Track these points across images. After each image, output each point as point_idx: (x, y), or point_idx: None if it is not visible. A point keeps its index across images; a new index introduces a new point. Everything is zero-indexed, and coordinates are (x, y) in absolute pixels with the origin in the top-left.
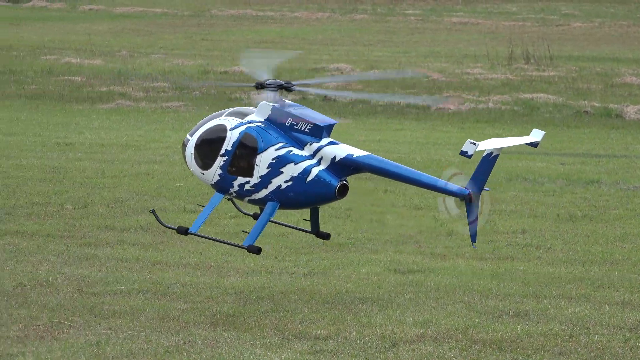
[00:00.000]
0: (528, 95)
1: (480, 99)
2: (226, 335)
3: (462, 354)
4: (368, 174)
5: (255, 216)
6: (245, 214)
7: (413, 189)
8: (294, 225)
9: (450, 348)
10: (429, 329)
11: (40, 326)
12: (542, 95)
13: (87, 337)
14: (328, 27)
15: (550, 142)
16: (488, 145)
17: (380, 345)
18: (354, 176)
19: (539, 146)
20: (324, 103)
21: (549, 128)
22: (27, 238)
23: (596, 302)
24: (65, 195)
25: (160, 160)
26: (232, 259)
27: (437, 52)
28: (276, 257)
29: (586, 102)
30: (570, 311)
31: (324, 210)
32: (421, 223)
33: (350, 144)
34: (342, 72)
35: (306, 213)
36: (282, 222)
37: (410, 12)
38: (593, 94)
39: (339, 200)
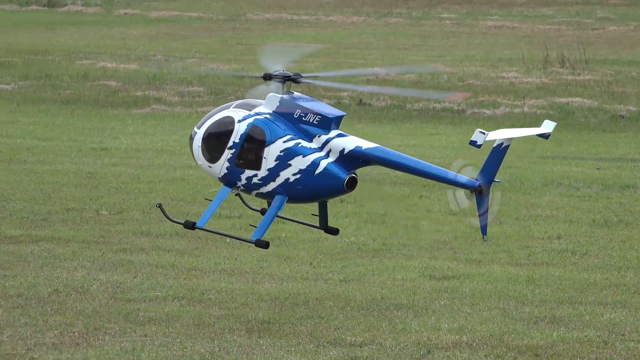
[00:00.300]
0: (563, 99)
1: (515, 103)
2: (261, 342)
3: None
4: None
5: (263, 211)
6: (253, 209)
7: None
8: (302, 221)
9: (485, 355)
10: (464, 336)
11: (76, 333)
12: (577, 99)
13: (122, 344)
14: (363, 31)
15: (585, 147)
16: (498, 135)
17: (415, 351)
18: (389, 181)
19: (550, 137)
20: (359, 108)
21: (584, 132)
22: (62, 244)
23: (632, 308)
24: (101, 200)
25: (195, 165)
26: (267, 265)
27: (473, 56)
28: (311, 264)
29: (622, 106)
30: (605, 317)
31: (358, 214)
32: (456, 229)
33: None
34: (377, 77)
35: (314, 208)
36: (289, 217)
37: (446, 15)
38: (629, 98)
39: (347, 194)
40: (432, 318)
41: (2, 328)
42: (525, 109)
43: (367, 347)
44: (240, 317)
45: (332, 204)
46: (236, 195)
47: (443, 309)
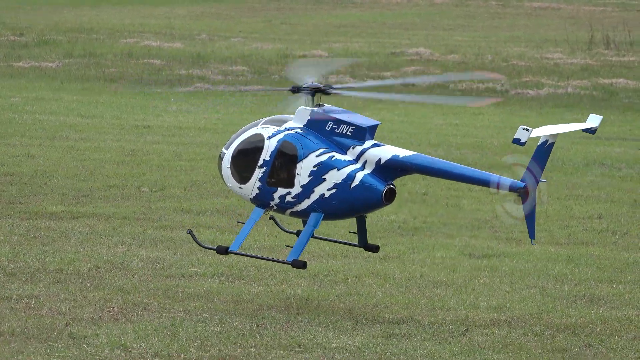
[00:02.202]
0: (607, 81)
1: (559, 83)
2: (300, 318)
3: (536, 338)
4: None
5: (299, 233)
6: (288, 232)
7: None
8: (339, 240)
9: (523, 333)
10: (502, 314)
11: (115, 308)
12: (621, 80)
13: (161, 320)
14: (408, 12)
15: (629, 128)
16: (542, 132)
17: (453, 329)
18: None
19: (596, 132)
20: (403, 87)
21: (628, 113)
22: (103, 220)
23: None
24: (142, 178)
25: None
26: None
27: (517, 37)
28: (352, 241)
29: None
30: None
31: (399, 193)
32: (497, 208)
33: (428, 128)
34: (421, 57)
35: (352, 225)
36: (326, 237)
37: None
38: None
39: (386, 206)
40: (471, 296)
41: (41, 303)
42: (569, 89)
43: (405, 324)
44: (279, 294)
45: None
46: (270, 218)
47: (482, 287)
